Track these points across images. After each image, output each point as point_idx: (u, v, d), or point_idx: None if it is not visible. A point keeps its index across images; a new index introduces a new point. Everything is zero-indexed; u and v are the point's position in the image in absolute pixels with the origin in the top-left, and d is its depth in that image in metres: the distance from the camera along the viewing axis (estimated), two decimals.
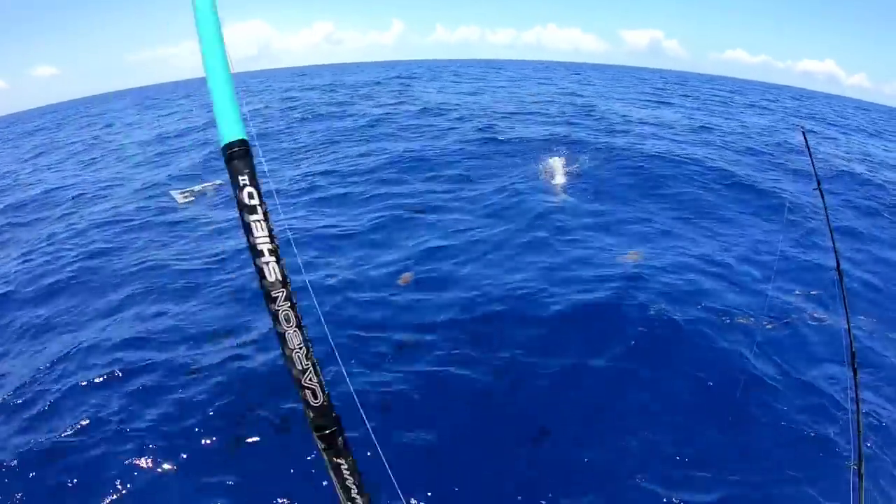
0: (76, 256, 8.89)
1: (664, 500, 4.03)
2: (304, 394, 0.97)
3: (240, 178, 0.98)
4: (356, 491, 0.95)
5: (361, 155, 14.67)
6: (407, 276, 7.59)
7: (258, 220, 0.95)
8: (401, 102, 25.81)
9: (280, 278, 0.93)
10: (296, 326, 0.92)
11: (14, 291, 7.81)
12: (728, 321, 6.34)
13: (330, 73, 64.04)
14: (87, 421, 4.70)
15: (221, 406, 4.91)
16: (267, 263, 0.94)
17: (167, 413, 4.81)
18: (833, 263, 3.56)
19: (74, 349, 5.97)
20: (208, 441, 4.50)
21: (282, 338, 0.92)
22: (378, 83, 39.74)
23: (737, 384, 5.10)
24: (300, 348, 0.93)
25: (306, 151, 15.87)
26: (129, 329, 6.36)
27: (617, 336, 6.03)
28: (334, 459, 0.94)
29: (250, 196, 0.96)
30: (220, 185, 12.95)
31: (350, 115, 21.68)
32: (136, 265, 8.44)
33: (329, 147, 16.22)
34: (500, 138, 16.32)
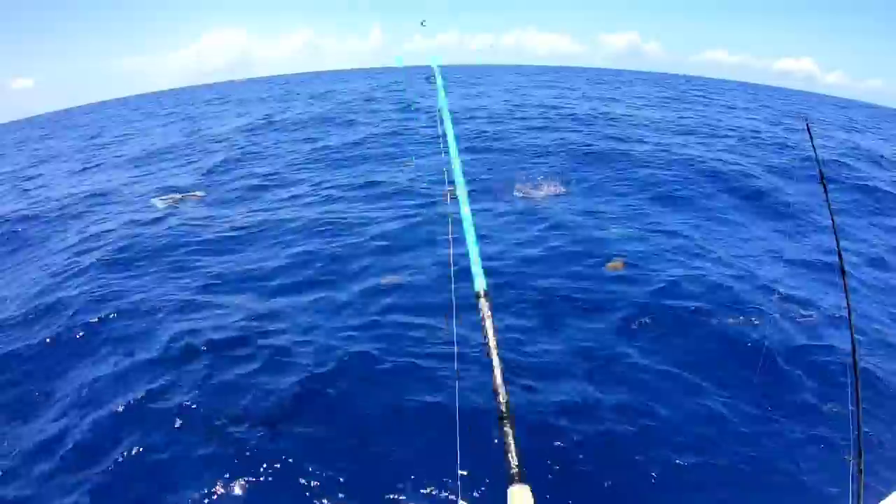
0: (82, 267, 8.79)
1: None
2: (497, 397, 1.68)
3: (482, 301, 1.89)
4: (514, 451, 1.57)
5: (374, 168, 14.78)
6: (391, 279, 7.69)
7: (489, 320, 1.86)
8: (402, 110, 26.20)
9: (494, 345, 1.78)
10: (500, 368, 1.73)
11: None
12: (739, 318, 6.52)
13: (319, 83, 63.78)
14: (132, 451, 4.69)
15: (258, 411, 4.98)
16: (490, 346, 1.78)
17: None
18: (835, 259, 3.69)
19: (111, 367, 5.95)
20: (244, 450, 4.54)
21: (493, 373, 1.72)
22: (374, 91, 39.97)
23: (754, 370, 5.27)
24: (499, 377, 1.72)
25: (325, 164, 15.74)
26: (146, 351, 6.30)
27: (632, 333, 6.22)
28: (506, 430, 1.61)
29: (486, 313, 1.87)
30: (203, 196, 13.14)
31: (363, 124, 21.75)
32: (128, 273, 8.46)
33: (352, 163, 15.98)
34: (504, 147, 16.53)
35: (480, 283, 1.94)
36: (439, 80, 2.70)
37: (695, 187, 12.47)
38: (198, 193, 13.37)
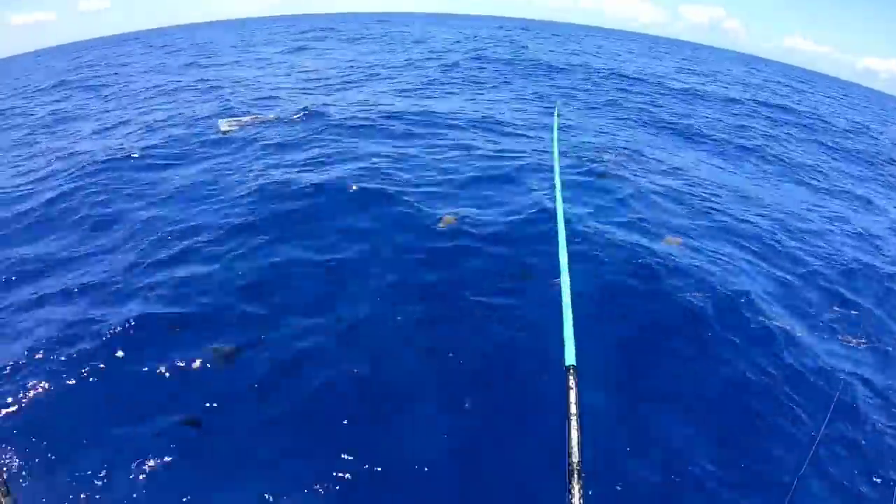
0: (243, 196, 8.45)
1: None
2: (570, 457, 1.66)
3: (571, 378, 1.83)
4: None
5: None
6: (449, 219, 7.27)
7: (573, 393, 1.80)
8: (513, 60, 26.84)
9: (575, 418, 1.75)
10: (578, 446, 1.67)
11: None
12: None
13: (395, 23, 61.85)
14: None
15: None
16: (572, 427, 1.72)
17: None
18: None
19: None
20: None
21: (568, 434, 1.69)
22: (474, 39, 39.53)
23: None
24: (576, 447, 1.67)
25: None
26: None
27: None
28: (576, 489, 1.64)
29: (572, 387, 1.81)
30: (270, 119, 12.60)
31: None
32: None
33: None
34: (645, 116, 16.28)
35: (571, 357, 1.93)
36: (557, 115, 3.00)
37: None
38: (267, 116, 12.83)
